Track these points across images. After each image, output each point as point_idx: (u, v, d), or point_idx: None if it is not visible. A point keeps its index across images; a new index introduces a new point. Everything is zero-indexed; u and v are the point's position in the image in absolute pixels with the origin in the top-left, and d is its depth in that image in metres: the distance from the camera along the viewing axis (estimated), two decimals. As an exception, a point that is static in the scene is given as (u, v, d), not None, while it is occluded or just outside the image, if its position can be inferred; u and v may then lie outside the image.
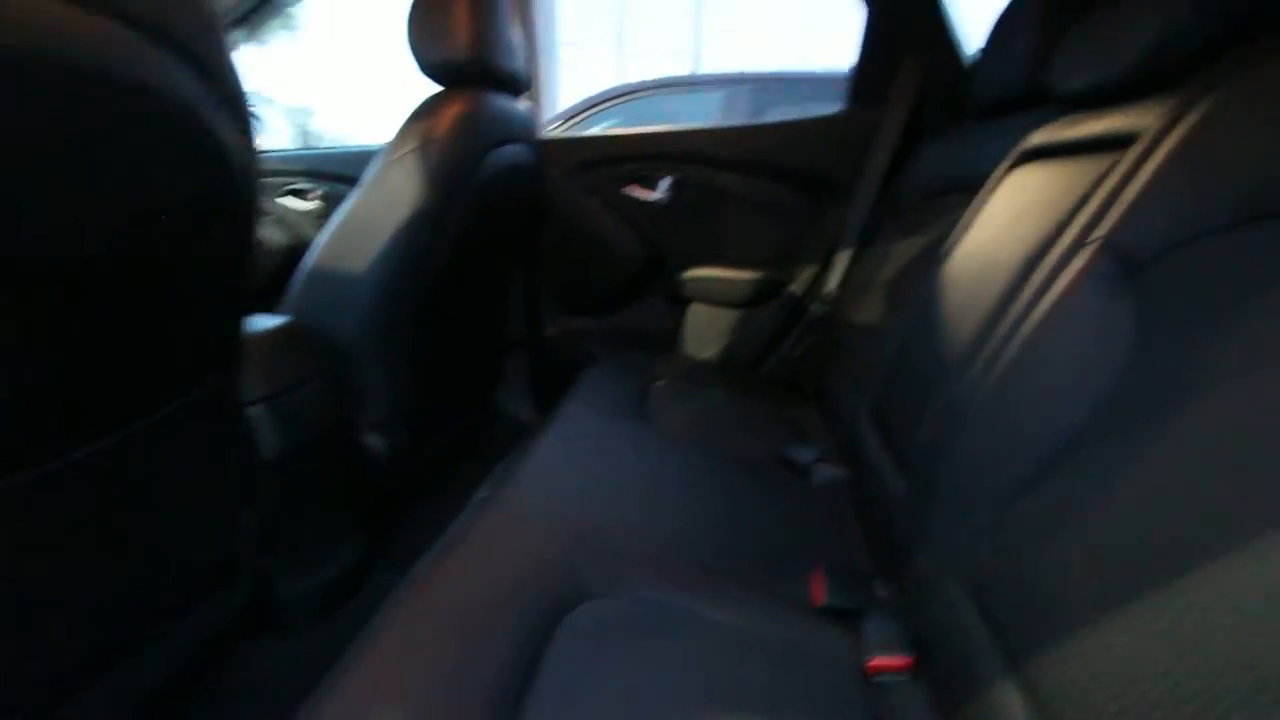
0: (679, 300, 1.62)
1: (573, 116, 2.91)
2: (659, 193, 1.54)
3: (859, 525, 0.88)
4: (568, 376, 1.28)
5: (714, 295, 1.57)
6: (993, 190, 0.84)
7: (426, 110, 1.00)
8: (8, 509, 0.46)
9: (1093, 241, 0.56)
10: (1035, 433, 0.53)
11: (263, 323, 0.93)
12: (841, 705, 0.56)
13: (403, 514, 1.29)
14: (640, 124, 3.44)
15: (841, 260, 1.41)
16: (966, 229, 0.86)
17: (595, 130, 2.47)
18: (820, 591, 0.71)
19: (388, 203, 0.96)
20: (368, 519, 1.17)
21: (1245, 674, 0.30)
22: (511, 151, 1.15)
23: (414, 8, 1.03)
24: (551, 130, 1.76)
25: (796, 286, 1.52)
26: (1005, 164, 0.84)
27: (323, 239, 1.01)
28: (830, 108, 1.44)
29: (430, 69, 1.05)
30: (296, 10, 1.75)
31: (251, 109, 0.52)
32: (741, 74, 2.89)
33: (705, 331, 1.61)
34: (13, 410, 0.44)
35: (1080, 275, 0.55)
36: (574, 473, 0.86)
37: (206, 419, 0.63)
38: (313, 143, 2.80)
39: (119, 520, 0.56)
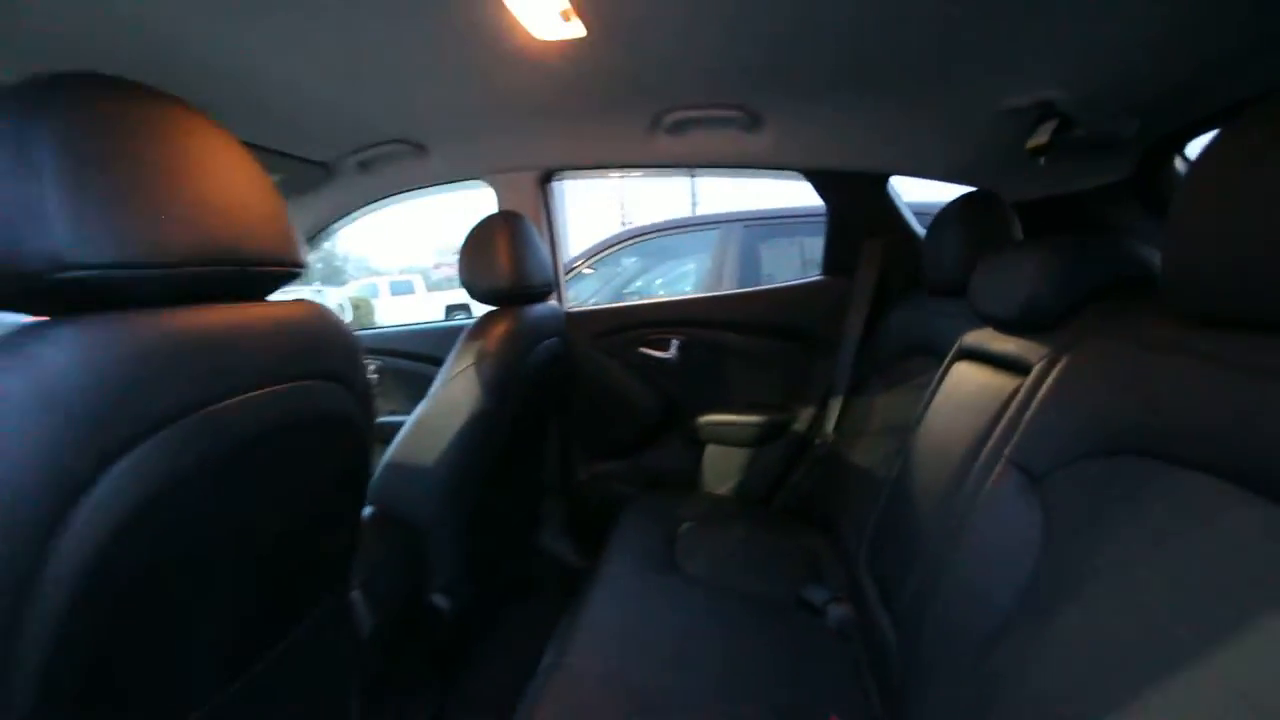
0: (695, 443, 1.81)
1: (593, 255, 3.29)
2: (670, 352, 1.77)
3: (868, 665, 1.02)
4: (600, 515, 1.44)
5: (726, 437, 1.77)
6: (943, 378, 1.05)
7: (479, 329, 1.24)
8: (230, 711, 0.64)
9: (1004, 458, 0.75)
10: (985, 606, 0.70)
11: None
12: None
13: (471, 661, 1.42)
14: (650, 258, 3.84)
15: (835, 405, 1.61)
16: (927, 407, 1.05)
17: (607, 263, 2.82)
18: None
19: (452, 410, 1.18)
20: (439, 668, 1.31)
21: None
22: (546, 345, 1.39)
23: (465, 248, 1.30)
24: (575, 266, 2.03)
25: (799, 426, 1.71)
26: (950, 356, 1.05)
27: (398, 439, 1.22)
28: (813, 240, 1.69)
29: (480, 295, 1.31)
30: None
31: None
32: (734, 214, 3.25)
33: (721, 469, 1.79)
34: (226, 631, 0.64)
35: (997, 483, 0.74)
36: (619, 634, 1.02)
37: (332, 618, 0.82)
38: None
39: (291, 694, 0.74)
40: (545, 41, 1.00)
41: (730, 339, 1.73)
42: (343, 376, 0.70)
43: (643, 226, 3.52)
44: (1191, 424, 0.53)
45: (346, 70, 1.08)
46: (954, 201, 1.24)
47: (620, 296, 3.80)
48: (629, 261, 4.09)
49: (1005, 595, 0.67)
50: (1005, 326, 0.88)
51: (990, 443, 0.79)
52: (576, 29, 0.97)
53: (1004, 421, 0.78)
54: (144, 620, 0.54)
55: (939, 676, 0.75)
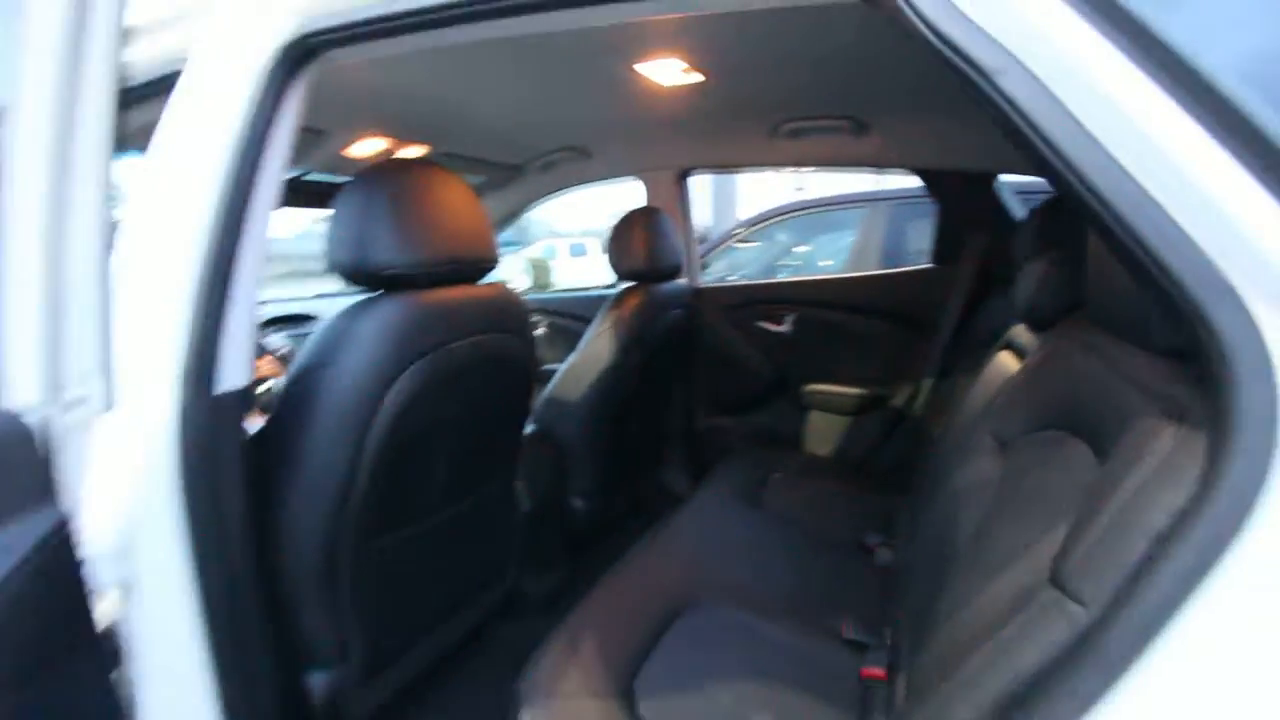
0: (801, 407, 2.06)
1: (755, 224, 3.63)
2: (784, 326, 2.02)
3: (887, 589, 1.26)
4: (712, 460, 1.77)
5: (828, 404, 1.99)
6: (989, 361, 1.22)
7: (617, 301, 1.62)
8: (443, 531, 1.09)
9: (987, 427, 0.95)
10: (950, 533, 0.92)
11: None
12: (841, 693, 0.97)
13: (594, 549, 1.86)
14: (803, 233, 4.04)
15: (926, 385, 1.77)
16: (972, 386, 1.23)
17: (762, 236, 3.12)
18: (846, 629, 1.12)
19: (593, 361, 1.57)
20: (571, 552, 1.76)
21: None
22: (672, 315, 1.73)
23: (611, 237, 1.67)
24: (736, 232, 2.35)
25: (896, 401, 1.89)
26: (996, 345, 1.21)
27: (558, 375, 1.65)
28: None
29: (621, 273, 1.68)
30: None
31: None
32: (884, 192, 3.30)
33: (822, 432, 2.02)
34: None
35: (981, 442, 0.95)
36: (697, 539, 1.36)
37: (502, 493, 1.26)
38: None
39: (477, 534, 1.19)
40: (675, 86, 1.31)
41: (840, 317, 1.94)
42: (517, 331, 1.11)
43: (795, 203, 3.70)
44: (1082, 403, 0.73)
45: (537, 103, 1.48)
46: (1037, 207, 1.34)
47: (771, 269, 4.03)
48: (782, 237, 4.28)
49: (968, 525, 0.90)
50: (1028, 322, 1.05)
51: (986, 417, 0.99)
52: (696, 77, 1.27)
53: (997, 399, 0.98)
54: (409, 460, 0.98)
55: (913, 589, 0.99)
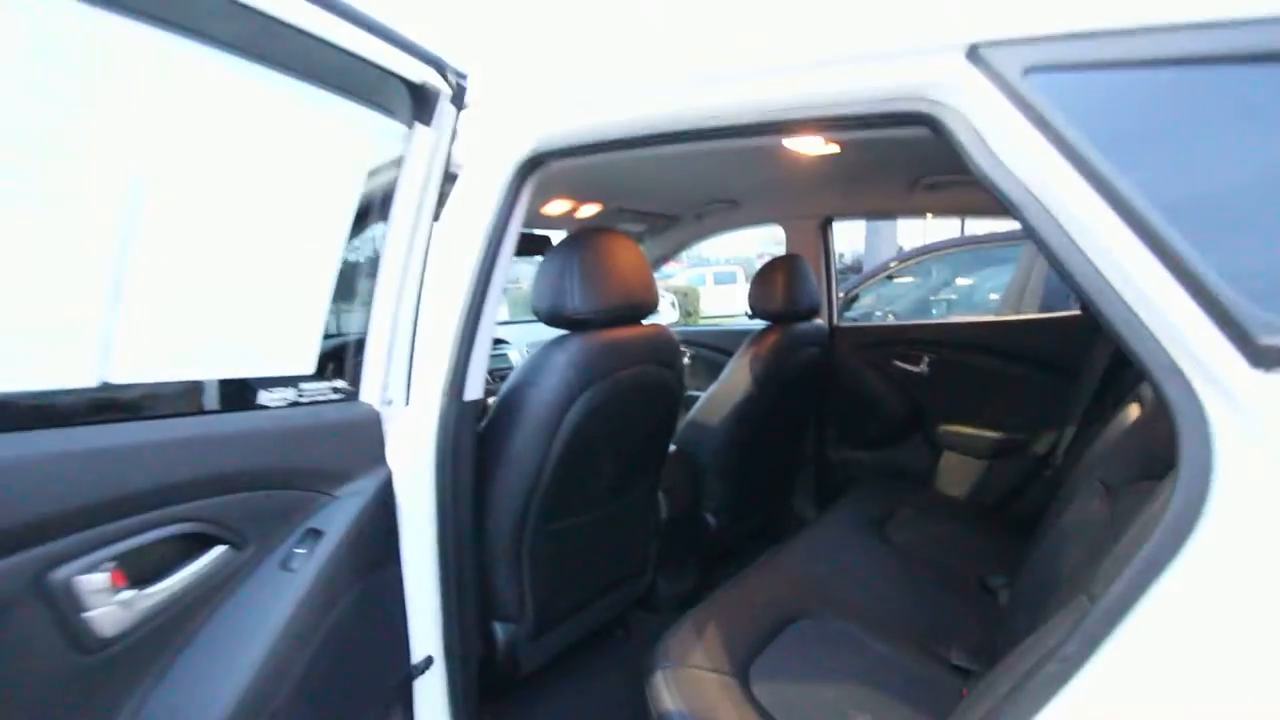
0: (935, 447, 2.09)
1: (908, 258, 3.70)
2: (921, 366, 2.08)
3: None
4: (842, 490, 1.88)
5: (963, 446, 2.01)
6: (1123, 411, 1.25)
7: (756, 338, 1.81)
8: (602, 524, 1.35)
9: (1098, 473, 1.02)
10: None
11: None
12: (939, 708, 1.08)
13: (725, 562, 2.04)
14: (962, 269, 4.00)
15: (1069, 433, 1.75)
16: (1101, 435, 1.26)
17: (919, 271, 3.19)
18: (954, 655, 1.21)
19: (731, 391, 1.78)
20: (703, 562, 1.96)
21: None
22: (806, 352, 1.89)
23: (753, 283, 1.87)
24: (890, 266, 2.46)
25: (1038, 448, 1.87)
26: (1132, 395, 1.24)
27: (700, 401, 1.87)
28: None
29: (759, 314, 1.87)
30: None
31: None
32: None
33: (955, 474, 2.04)
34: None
35: (1091, 486, 1.01)
36: (817, 558, 1.50)
37: (646, 499, 1.50)
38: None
39: (626, 531, 1.44)
40: (816, 155, 1.50)
41: (979, 360, 1.97)
42: (669, 364, 1.35)
43: (953, 239, 3.69)
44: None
45: (695, 171, 1.74)
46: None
47: (924, 304, 3.99)
48: (938, 271, 4.21)
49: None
50: None
51: (1097, 461, 1.05)
52: (834, 148, 1.44)
53: (1110, 447, 1.04)
54: (581, 461, 1.25)
55: (1015, 622, 1.07)
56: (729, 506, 1.88)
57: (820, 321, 2.10)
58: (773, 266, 1.85)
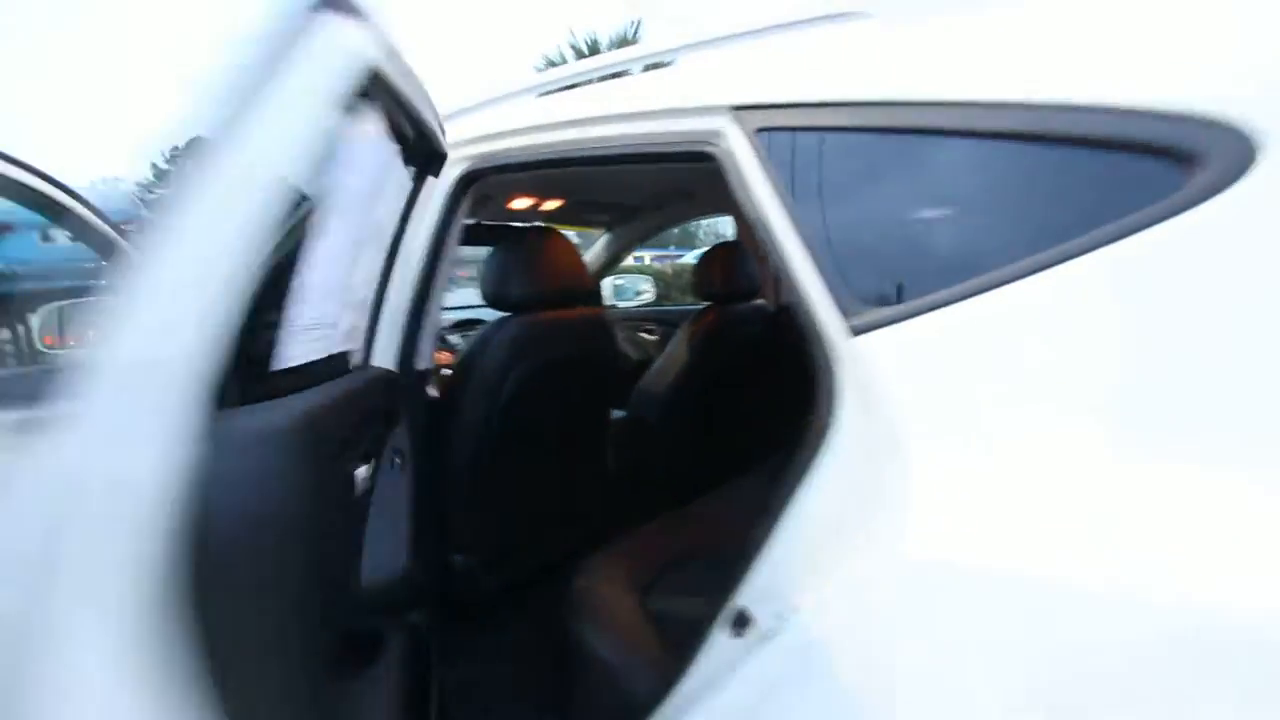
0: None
1: None
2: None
3: None
4: None
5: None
6: None
7: (697, 316, 2.06)
8: (551, 473, 1.64)
9: None
10: None
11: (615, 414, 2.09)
12: None
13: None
14: None
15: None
16: None
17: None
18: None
19: (675, 357, 2.03)
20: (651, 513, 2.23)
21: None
22: (744, 331, 2.13)
23: (696, 267, 2.11)
24: None
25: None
26: None
27: (650, 372, 2.13)
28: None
29: (701, 295, 2.12)
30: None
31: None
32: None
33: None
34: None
35: None
36: (742, 505, 1.77)
37: (597, 454, 1.78)
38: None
39: (575, 479, 1.73)
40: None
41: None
42: (596, 338, 1.61)
43: None
44: None
45: (636, 169, 1.98)
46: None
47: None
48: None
49: None
50: None
51: None
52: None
53: None
54: (526, 415, 1.52)
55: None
56: (680, 461, 2.13)
57: (762, 302, 2.34)
58: (713, 253, 2.09)
